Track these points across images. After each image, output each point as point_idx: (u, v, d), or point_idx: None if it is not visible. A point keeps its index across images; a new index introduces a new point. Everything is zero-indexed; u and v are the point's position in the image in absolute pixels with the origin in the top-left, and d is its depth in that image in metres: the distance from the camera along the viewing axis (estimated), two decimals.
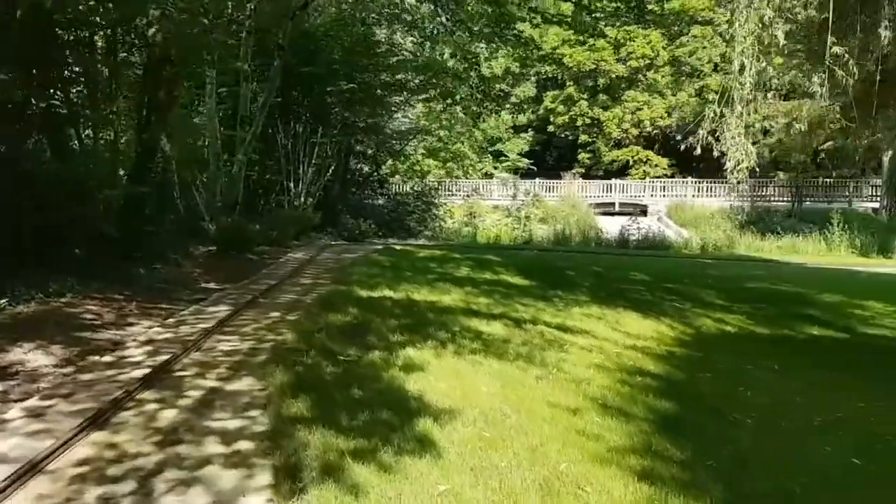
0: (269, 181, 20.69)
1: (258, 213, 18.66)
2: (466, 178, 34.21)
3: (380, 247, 17.95)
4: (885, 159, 30.25)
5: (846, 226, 23.45)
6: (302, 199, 20.57)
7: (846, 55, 8.19)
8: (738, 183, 8.77)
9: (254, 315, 7.96)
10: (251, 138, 15.03)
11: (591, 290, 12.42)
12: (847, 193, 32.04)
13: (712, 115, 8.37)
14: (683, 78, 40.07)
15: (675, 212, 29.48)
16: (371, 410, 4.45)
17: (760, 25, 7.19)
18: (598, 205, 31.40)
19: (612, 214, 31.06)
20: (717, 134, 9.34)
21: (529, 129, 43.54)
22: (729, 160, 7.46)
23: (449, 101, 24.97)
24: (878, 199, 30.64)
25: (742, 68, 10.79)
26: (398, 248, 17.85)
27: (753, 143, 34.88)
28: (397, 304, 9.04)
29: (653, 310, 10.77)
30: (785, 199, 32.08)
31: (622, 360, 6.84)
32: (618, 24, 36.12)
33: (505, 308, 9.56)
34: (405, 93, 22.59)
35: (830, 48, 7.72)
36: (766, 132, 42.17)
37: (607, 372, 6.23)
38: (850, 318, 11.28)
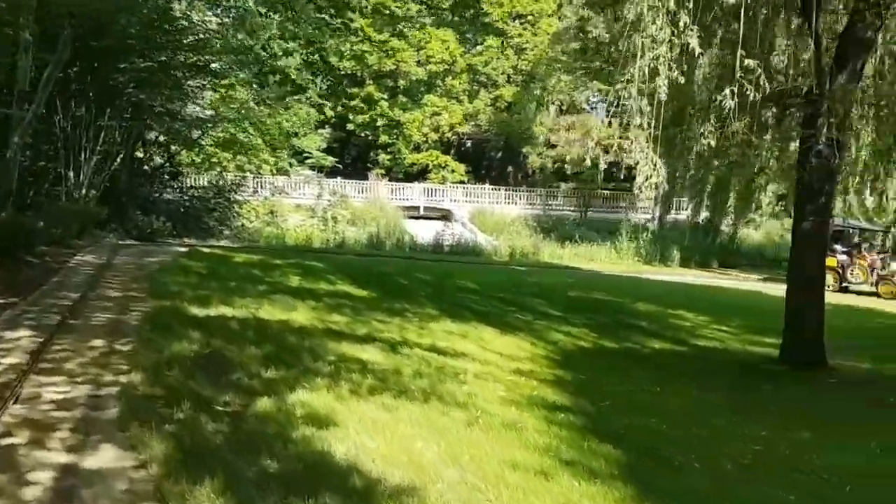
0: (41, 168, 17.61)
1: (27, 205, 15.71)
2: (260, 174, 32.22)
3: (183, 249, 15.96)
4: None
5: (633, 236, 25.43)
6: (83, 190, 17.76)
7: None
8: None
9: (72, 343, 6.30)
10: (31, 118, 12.48)
11: (433, 302, 11.92)
12: (624, 205, 34.97)
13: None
14: (477, 87, 41.40)
15: (479, 218, 30.16)
16: (308, 496, 3.41)
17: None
18: (404, 208, 31.20)
19: (417, 218, 31.04)
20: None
21: (327, 126, 42.31)
22: (639, 174, 7.26)
23: (255, 87, 23.19)
24: (650, 211, 33.81)
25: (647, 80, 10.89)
26: (206, 251, 16.02)
27: (538, 155, 36.57)
28: (245, 326, 7.77)
29: (503, 324, 10.50)
30: (570, 208, 34.24)
31: (523, 391, 6.34)
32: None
33: (365, 327, 8.68)
34: (209, 77, 20.46)
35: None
36: (550, 145, 45.13)
37: (523, 408, 5.67)
38: (675, 329, 11.88)
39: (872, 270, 19.01)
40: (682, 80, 8.02)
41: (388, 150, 40.11)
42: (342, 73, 40.64)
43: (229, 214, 22.37)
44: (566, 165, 33.07)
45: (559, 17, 41.32)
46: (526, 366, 7.66)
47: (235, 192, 23.04)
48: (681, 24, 7.34)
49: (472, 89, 40.62)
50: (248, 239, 22.27)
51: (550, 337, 9.94)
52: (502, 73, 41.12)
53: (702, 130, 9.00)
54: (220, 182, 23.58)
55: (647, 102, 7.88)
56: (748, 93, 8.08)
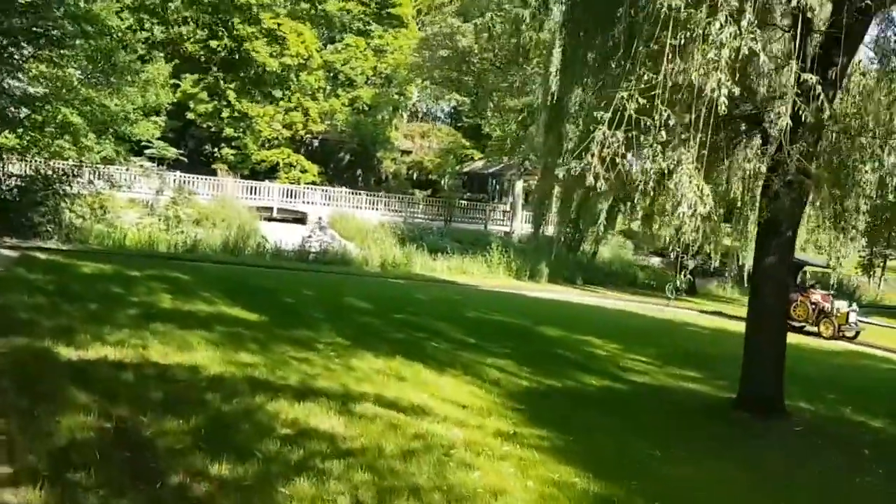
0: None
1: None
2: (83, 163, 28.14)
3: (12, 254, 13.03)
4: (517, 188, 33.61)
5: (504, 250, 25.00)
6: None
7: None
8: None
9: None
10: None
11: (335, 326, 10.44)
12: (483, 216, 34.77)
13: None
14: (334, 86, 39.53)
15: (339, 223, 28.39)
16: None
17: None
18: (256, 209, 28.69)
19: (270, 220, 28.72)
20: None
21: (162, 113, 38.28)
22: (681, 202, 6.18)
23: (100, 63, 20.00)
24: (508, 223, 33.84)
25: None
26: (43, 257, 13.17)
27: (393, 160, 35.43)
28: (143, 377, 5.90)
29: (428, 357, 9.23)
30: (429, 216, 33.39)
31: (537, 470, 5.13)
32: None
33: (288, 370, 7.06)
34: (49, 47, 17.14)
35: None
36: (405, 151, 44.23)
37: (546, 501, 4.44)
38: (597, 360, 11.21)
39: (815, 309, 17.93)
40: None
41: (233, 144, 37.03)
42: (185, 55, 37.03)
43: (60, 210, 18.99)
44: (430, 174, 32.21)
45: (420, 24, 40.58)
46: (499, 423, 6.43)
47: (67, 184, 19.58)
48: None
49: (329, 88, 38.68)
50: (78, 240, 19.07)
51: (487, 374, 8.79)
52: (361, 74, 39.55)
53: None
54: (48, 171, 19.96)
55: None
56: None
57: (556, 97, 13.39)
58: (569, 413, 7.38)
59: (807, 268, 19.31)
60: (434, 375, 8.21)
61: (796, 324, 17.41)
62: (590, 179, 6.49)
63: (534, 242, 26.72)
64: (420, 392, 7.15)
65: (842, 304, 18.14)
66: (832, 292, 18.89)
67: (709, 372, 10.79)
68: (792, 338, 17.23)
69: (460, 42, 30.84)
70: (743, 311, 22.17)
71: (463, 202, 35.97)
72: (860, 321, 18.31)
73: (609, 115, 6.29)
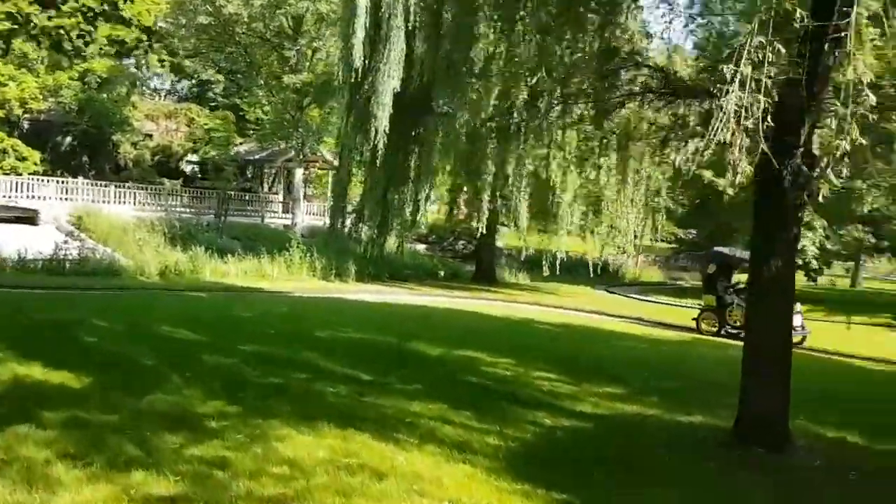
0: None
1: None
2: None
3: None
4: (297, 176, 30.58)
5: (305, 250, 22.08)
6: None
7: None
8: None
9: None
10: None
11: (195, 383, 7.45)
12: (257, 209, 31.22)
13: None
14: (59, 56, 32.68)
15: (87, 222, 23.13)
16: None
17: None
18: None
19: None
20: None
21: None
22: None
23: None
24: (289, 216, 30.71)
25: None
26: None
27: (133, 144, 30.57)
28: None
29: (344, 416, 6.76)
30: (196, 210, 28.99)
31: None
32: None
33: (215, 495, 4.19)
34: None
35: None
36: (148, 134, 38.37)
37: None
38: (520, 386, 9.37)
39: None
40: None
41: None
42: None
43: None
44: (181, 161, 27.80)
45: None
46: None
47: None
48: None
49: (54, 58, 31.92)
50: None
51: (439, 433, 6.53)
52: (92, 43, 33.21)
53: None
54: None
55: None
56: None
57: (360, 73, 11.36)
58: (555, 478, 5.43)
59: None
60: (379, 446, 5.83)
61: (733, 330, 15.69)
62: None
63: (332, 238, 24.15)
64: (393, 481, 4.77)
65: None
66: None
67: (629, 386, 9.54)
68: (731, 346, 15.11)
69: (225, 8, 26.68)
70: (549, 299, 22.02)
71: (230, 193, 31.94)
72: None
73: None
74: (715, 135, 4.08)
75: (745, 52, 4.19)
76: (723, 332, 15.82)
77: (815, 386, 10.13)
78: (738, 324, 15.29)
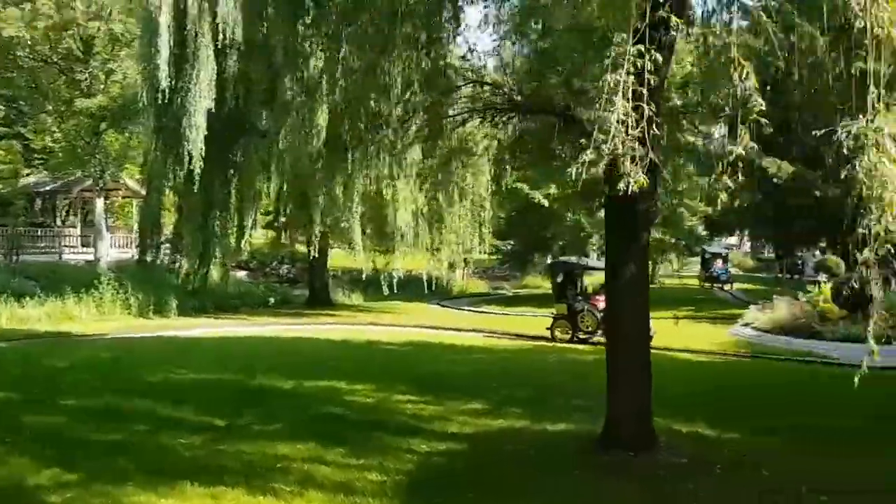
0: None
1: None
2: None
3: None
4: (99, 207, 27.92)
5: (118, 286, 20.02)
6: None
7: None
8: None
9: None
10: None
11: (21, 448, 6.24)
12: (54, 244, 28.08)
13: None
14: None
15: None
16: None
17: None
18: None
19: None
20: None
21: None
22: None
23: None
24: (91, 250, 27.90)
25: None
26: None
27: None
28: None
29: (206, 472, 6.05)
30: None
31: None
32: None
33: None
34: None
35: None
36: None
37: None
38: (381, 411, 9.08)
39: (604, 316, 15.13)
40: None
41: None
42: None
43: None
44: None
45: None
46: None
47: None
48: None
49: None
50: None
51: (309, 476, 6.09)
52: None
53: None
54: None
55: None
56: None
57: (167, 94, 10.76)
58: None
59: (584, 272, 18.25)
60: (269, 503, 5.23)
61: (583, 335, 15.95)
62: None
63: (145, 271, 22.17)
64: None
65: None
66: None
67: (490, 401, 9.55)
68: (585, 352, 14.02)
69: (4, 31, 23.73)
70: (386, 318, 21.81)
71: (20, 229, 28.46)
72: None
73: None
74: (610, 145, 4.07)
75: (627, 61, 4.23)
76: (575, 338, 16.06)
77: (656, 382, 10.92)
78: (591, 329, 15.86)
